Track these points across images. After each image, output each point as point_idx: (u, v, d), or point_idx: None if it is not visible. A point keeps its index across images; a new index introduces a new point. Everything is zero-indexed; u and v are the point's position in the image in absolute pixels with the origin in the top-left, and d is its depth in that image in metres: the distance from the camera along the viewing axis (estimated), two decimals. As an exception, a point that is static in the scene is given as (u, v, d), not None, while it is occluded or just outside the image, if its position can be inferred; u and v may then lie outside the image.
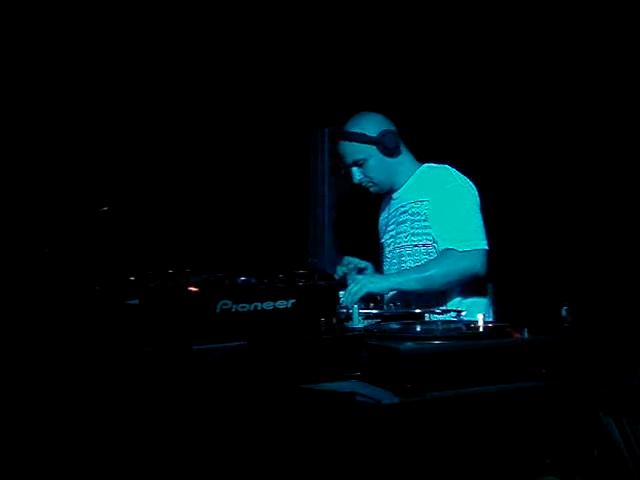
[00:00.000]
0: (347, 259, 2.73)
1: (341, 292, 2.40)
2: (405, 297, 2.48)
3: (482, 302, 2.68)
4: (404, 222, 2.71)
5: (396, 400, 1.52)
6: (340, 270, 2.77)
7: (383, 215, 2.93)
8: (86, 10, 3.63)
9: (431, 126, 3.62)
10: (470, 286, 2.63)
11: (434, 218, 2.61)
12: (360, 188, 2.84)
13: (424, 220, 2.64)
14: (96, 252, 3.02)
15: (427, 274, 2.51)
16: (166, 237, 3.85)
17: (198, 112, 4.10)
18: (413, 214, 2.67)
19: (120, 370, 1.85)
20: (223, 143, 4.17)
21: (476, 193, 2.66)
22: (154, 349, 1.68)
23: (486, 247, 2.55)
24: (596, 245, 3.59)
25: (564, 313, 3.23)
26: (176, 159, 4.10)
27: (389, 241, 2.79)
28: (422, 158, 2.85)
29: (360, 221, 3.31)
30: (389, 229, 2.80)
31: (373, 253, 3.18)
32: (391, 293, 2.54)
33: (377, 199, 2.96)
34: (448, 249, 2.54)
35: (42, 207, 3.50)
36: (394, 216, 2.78)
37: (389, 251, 2.79)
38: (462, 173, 2.71)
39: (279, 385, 1.65)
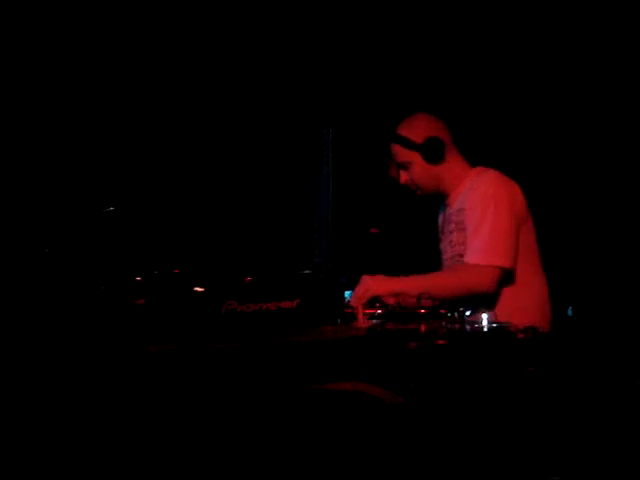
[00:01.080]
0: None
1: (347, 292, 2.40)
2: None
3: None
4: (452, 232, 2.69)
5: (400, 400, 1.53)
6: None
7: (440, 220, 2.90)
8: (92, 11, 3.64)
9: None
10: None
11: (467, 228, 2.57)
12: (364, 190, 2.83)
13: (464, 230, 2.60)
14: (102, 252, 3.03)
15: (433, 283, 2.48)
16: (172, 237, 3.86)
17: (203, 113, 4.11)
18: (457, 223, 2.65)
19: (126, 370, 1.86)
20: (228, 144, 4.17)
21: (516, 202, 2.57)
22: (158, 349, 1.69)
23: (503, 264, 2.48)
24: (603, 244, 3.59)
25: (570, 313, 3.23)
26: (181, 160, 4.11)
27: (444, 248, 2.77)
28: (471, 160, 2.79)
29: (366, 222, 3.32)
30: (443, 237, 2.79)
31: (376, 254, 3.19)
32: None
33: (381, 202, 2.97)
34: (467, 263, 2.51)
35: (48, 207, 3.52)
36: (448, 224, 2.74)
37: (445, 259, 2.76)
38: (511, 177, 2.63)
39: (283, 385, 1.66)
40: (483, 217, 2.51)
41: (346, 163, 2.87)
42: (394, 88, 3.93)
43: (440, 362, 1.60)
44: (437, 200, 2.87)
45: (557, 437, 1.69)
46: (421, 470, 1.56)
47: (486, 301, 2.49)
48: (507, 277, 2.53)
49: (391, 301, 2.34)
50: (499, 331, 1.77)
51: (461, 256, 2.59)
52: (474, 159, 2.78)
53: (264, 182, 4.24)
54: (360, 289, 2.39)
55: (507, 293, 2.54)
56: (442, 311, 2.17)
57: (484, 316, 1.85)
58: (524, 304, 2.54)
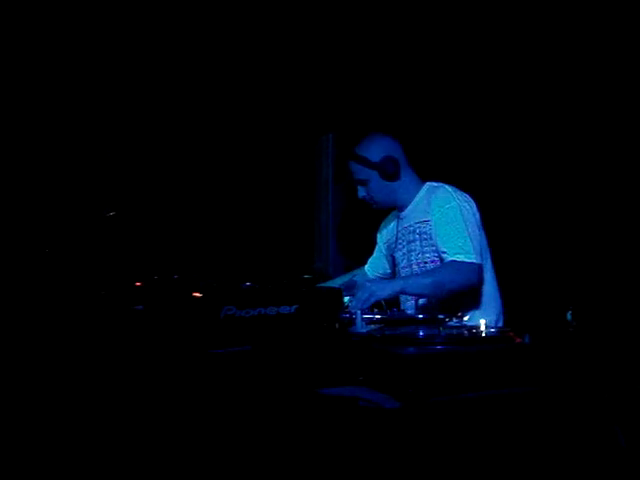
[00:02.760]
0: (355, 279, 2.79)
1: (346, 298, 2.41)
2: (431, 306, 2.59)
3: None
4: (413, 241, 2.84)
5: (398, 405, 1.53)
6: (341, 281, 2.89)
7: (389, 229, 3.06)
8: (92, 10, 3.65)
9: (433, 139, 3.66)
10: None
11: (436, 237, 2.74)
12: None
13: (430, 239, 2.77)
14: (102, 257, 3.04)
15: (432, 280, 2.61)
16: (172, 243, 3.87)
17: (204, 119, 4.12)
18: (420, 234, 2.81)
19: (125, 374, 1.86)
20: (229, 149, 4.19)
21: (475, 211, 2.80)
22: (157, 353, 1.70)
23: (481, 262, 2.69)
24: (601, 249, 3.59)
25: (569, 317, 3.24)
26: (182, 165, 4.12)
27: (402, 257, 2.92)
28: (424, 173, 2.96)
29: (364, 226, 3.33)
30: (399, 246, 2.93)
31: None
32: (421, 301, 2.65)
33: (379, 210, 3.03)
34: (453, 260, 2.65)
35: (48, 212, 3.53)
36: (403, 234, 2.91)
37: (402, 267, 2.92)
38: (462, 188, 2.83)
39: (282, 390, 1.66)
40: (455, 222, 2.70)
41: (347, 168, 2.92)
42: (394, 93, 3.95)
43: (438, 367, 1.60)
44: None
45: (556, 442, 1.69)
46: (420, 475, 1.56)
47: (453, 300, 2.63)
48: None
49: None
50: (497, 336, 1.78)
51: (426, 263, 2.77)
52: (425, 174, 2.95)
53: (265, 187, 4.25)
54: (363, 295, 2.43)
55: (469, 292, 2.70)
56: (440, 316, 2.19)
57: (482, 321, 1.86)
58: (484, 302, 2.76)
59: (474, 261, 2.65)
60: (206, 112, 4.13)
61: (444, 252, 2.68)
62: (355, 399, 1.57)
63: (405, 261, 2.90)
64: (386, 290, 2.50)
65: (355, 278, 2.81)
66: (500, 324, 2.75)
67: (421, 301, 2.73)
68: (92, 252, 3.10)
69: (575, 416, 1.74)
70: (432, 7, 3.79)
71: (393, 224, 3.02)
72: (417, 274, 2.78)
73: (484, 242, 2.81)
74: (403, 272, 2.90)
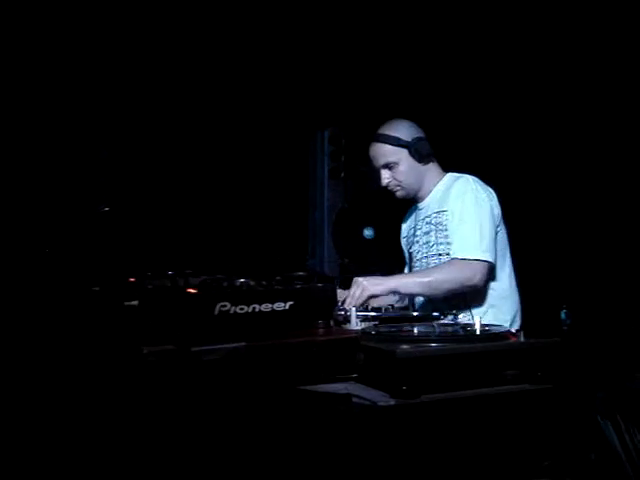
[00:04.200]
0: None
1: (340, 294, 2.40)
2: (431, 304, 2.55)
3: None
4: (429, 232, 2.76)
5: (392, 402, 1.53)
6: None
7: (408, 224, 2.99)
8: (88, 9, 3.64)
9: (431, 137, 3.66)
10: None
11: (450, 229, 2.66)
12: (362, 192, 2.88)
13: (445, 230, 2.68)
14: (96, 253, 3.03)
15: (427, 279, 2.56)
16: (166, 238, 3.86)
17: (199, 115, 4.11)
18: (436, 224, 2.73)
19: (119, 371, 1.86)
20: (223, 145, 4.18)
21: (494, 204, 2.69)
22: (151, 350, 1.69)
23: (490, 260, 2.58)
24: (595, 249, 3.60)
25: (563, 316, 3.25)
26: (177, 161, 4.11)
27: (417, 250, 2.82)
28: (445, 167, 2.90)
29: (359, 223, 3.33)
30: (416, 239, 2.84)
31: (372, 254, 3.20)
32: (419, 300, 2.63)
33: (376, 204, 2.99)
34: (453, 258, 2.60)
35: (42, 207, 3.52)
36: (420, 227, 2.82)
37: (417, 260, 2.82)
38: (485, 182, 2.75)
39: (276, 387, 1.66)
40: (468, 216, 2.62)
41: (343, 165, 2.91)
42: (390, 90, 3.94)
43: (432, 365, 1.60)
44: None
45: (550, 440, 1.69)
46: (414, 472, 1.56)
47: (463, 298, 2.59)
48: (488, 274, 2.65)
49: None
50: (491, 334, 1.78)
51: (440, 255, 2.68)
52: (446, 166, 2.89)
53: (259, 183, 4.24)
54: (356, 291, 2.41)
55: (483, 290, 2.64)
56: (435, 314, 2.19)
57: (477, 319, 1.86)
58: (497, 301, 2.67)
59: (480, 258, 2.56)
60: (201, 109, 4.12)
61: (450, 247, 2.62)
62: (349, 396, 1.57)
63: (420, 254, 2.80)
64: (379, 286, 2.46)
65: None
66: (516, 325, 2.66)
67: (419, 299, 2.71)
68: (86, 248, 3.09)
69: (569, 414, 1.74)
70: (427, 3, 3.79)
71: (412, 217, 2.94)
72: (416, 272, 2.72)
73: (503, 238, 2.71)
74: (418, 265, 2.81)
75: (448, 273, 2.57)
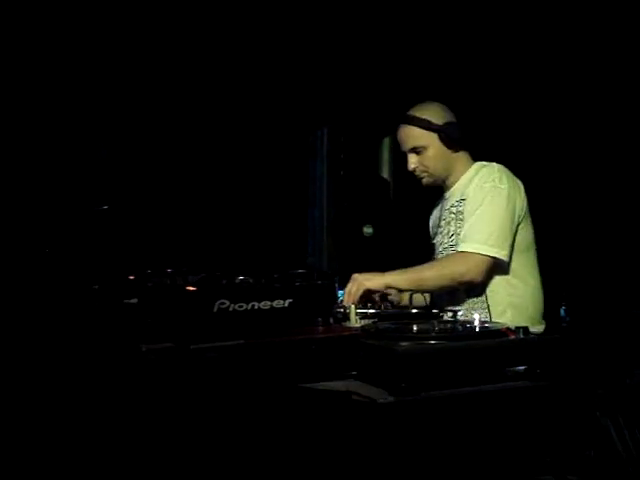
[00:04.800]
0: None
1: (340, 292, 2.40)
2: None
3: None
4: (450, 222, 2.64)
5: (391, 399, 1.53)
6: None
7: (435, 214, 2.86)
8: (88, 8, 3.64)
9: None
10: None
11: (465, 218, 2.55)
12: (362, 189, 2.82)
13: (462, 220, 2.56)
14: (95, 251, 3.03)
15: (420, 275, 2.46)
16: (165, 236, 3.86)
17: (197, 113, 4.11)
18: (456, 213, 2.61)
19: (118, 368, 1.86)
20: (222, 143, 4.18)
21: (517, 197, 2.54)
22: (150, 348, 1.69)
23: (494, 255, 2.45)
24: (594, 246, 3.60)
25: (562, 313, 3.24)
26: (175, 159, 4.11)
27: (439, 241, 2.71)
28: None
29: (357, 221, 3.33)
30: (440, 229, 2.73)
31: (371, 253, 3.19)
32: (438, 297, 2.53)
33: (375, 203, 2.97)
34: (460, 251, 2.49)
35: (42, 205, 3.51)
36: (445, 217, 2.70)
37: (438, 251, 2.71)
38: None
39: (275, 384, 1.66)
40: (480, 207, 2.50)
41: (341, 162, 2.89)
42: (389, 88, 3.94)
43: (431, 362, 1.60)
44: (431, 198, 2.85)
45: (549, 437, 1.69)
46: (414, 469, 1.56)
47: (481, 296, 2.51)
48: (502, 272, 2.52)
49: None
50: (490, 330, 1.78)
51: (457, 245, 2.55)
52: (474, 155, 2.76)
53: (258, 181, 4.24)
54: (352, 286, 2.39)
55: (502, 289, 2.53)
56: (434, 311, 2.19)
57: (476, 316, 1.86)
58: (518, 301, 2.55)
59: (481, 252, 2.43)
60: (199, 108, 4.12)
61: (459, 237, 2.51)
62: (348, 393, 1.57)
63: (442, 245, 2.68)
64: (372, 281, 2.38)
65: None
66: (534, 329, 2.33)
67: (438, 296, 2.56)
68: (85, 246, 3.09)
69: (568, 411, 1.74)
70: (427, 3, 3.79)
71: (439, 207, 2.81)
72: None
73: (527, 235, 2.58)
74: (439, 257, 2.69)
75: (442, 269, 2.48)
